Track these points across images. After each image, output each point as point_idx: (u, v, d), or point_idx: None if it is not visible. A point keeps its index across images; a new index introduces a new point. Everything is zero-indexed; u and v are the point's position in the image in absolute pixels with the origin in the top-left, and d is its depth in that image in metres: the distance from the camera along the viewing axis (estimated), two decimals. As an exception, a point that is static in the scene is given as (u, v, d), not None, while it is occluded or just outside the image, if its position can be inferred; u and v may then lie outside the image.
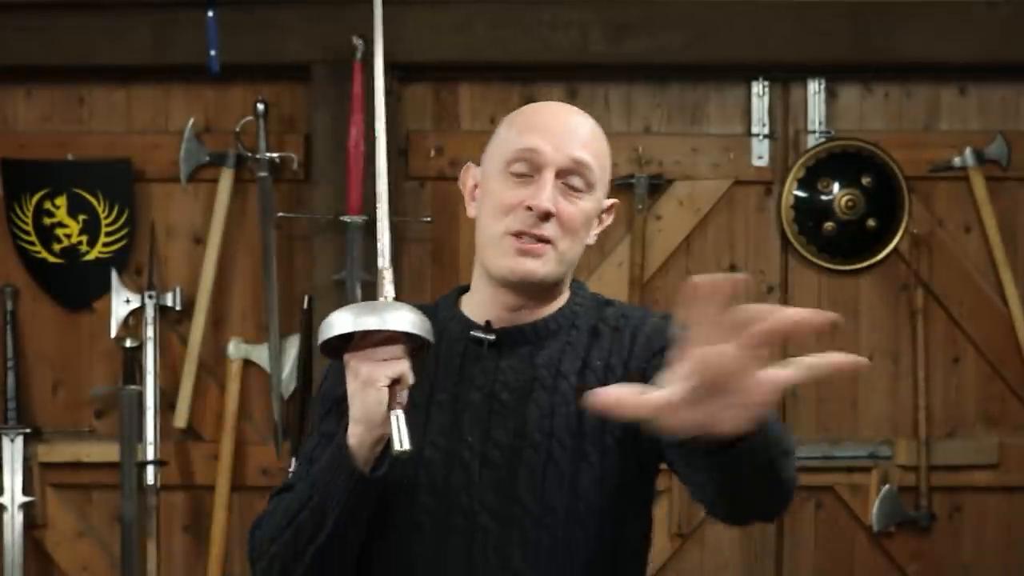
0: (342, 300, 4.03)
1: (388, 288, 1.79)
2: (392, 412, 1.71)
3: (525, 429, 1.82)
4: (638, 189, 4.18)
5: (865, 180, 4.21)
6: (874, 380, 4.26)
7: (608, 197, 1.92)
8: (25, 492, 4.20)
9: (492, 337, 1.87)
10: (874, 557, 4.25)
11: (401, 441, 1.69)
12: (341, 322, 1.72)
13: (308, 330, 4.12)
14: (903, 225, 4.20)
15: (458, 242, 4.21)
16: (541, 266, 1.83)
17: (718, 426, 1.28)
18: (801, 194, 4.22)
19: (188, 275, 4.22)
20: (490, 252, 1.85)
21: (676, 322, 1.45)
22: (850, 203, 4.22)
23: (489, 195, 1.86)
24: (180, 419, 4.16)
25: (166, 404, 4.18)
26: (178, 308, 4.18)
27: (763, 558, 4.27)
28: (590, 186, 1.85)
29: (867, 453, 4.22)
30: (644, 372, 1.79)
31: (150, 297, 4.17)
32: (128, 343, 4.17)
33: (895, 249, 4.22)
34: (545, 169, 1.82)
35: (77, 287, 4.25)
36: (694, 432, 1.29)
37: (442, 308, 1.94)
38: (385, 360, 1.72)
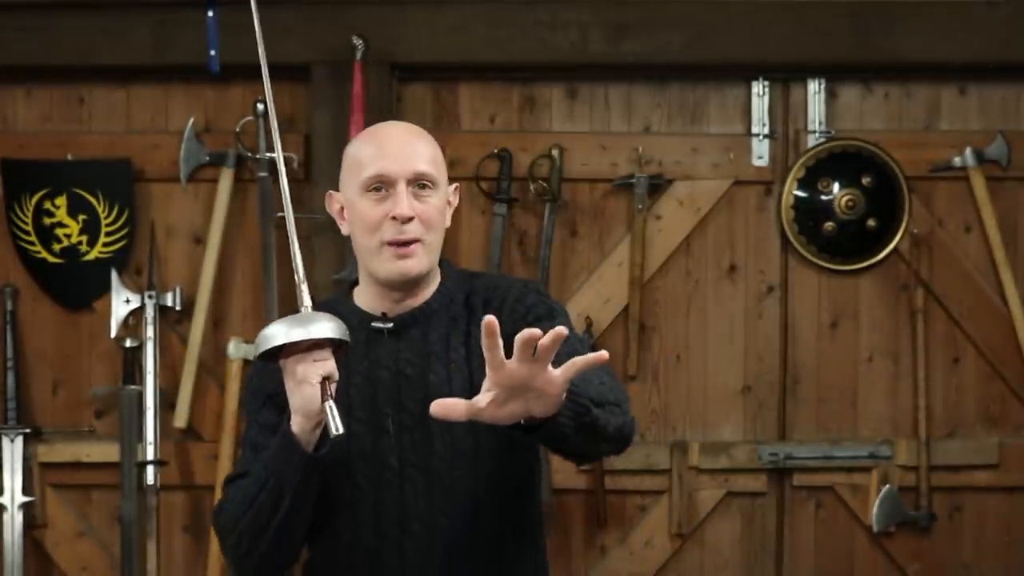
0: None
1: (306, 299, 2.11)
2: (325, 403, 2.04)
3: (429, 394, 2.14)
4: (638, 189, 4.18)
5: (865, 180, 4.21)
6: (874, 380, 4.26)
7: (450, 183, 2.29)
8: (25, 492, 4.20)
9: (391, 325, 2.24)
10: (874, 557, 4.25)
11: (336, 426, 2.02)
12: (275, 335, 2.05)
13: (308, 330, 4.11)
14: (903, 225, 4.20)
15: (458, 241, 4.21)
16: (416, 263, 2.21)
17: (533, 412, 1.89)
18: (801, 194, 4.22)
19: (188, 275, 4.22)
20: (372, 262, 2.22)
21: (533, 286, 2.28)
22: (850, 203, 4.22)
23: (358, 216, 2.23)
24: (180, 419, 4.16)
25: (166, 404, 4.18)
26: (178, 308, 4.18)
27: (763, 558, 4.27)
28: (434, 184, 2.23)
29: (867, 453, 4.22)
30: (511, 336, 1.94)
31: (150, 297, 4.17)
32: (128, 343, 4.17)
33: (895, 249, 4.22)
34: (397, 183, 2.20)
35: (77, 287, 4.25)
36: (515, 420, 1.89)
37: (339, 304, 2.29)
38: (315, 361, 2.05)
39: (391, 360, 2.23)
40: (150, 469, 4.12)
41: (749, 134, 4.23)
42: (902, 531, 4.23)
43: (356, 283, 2.32)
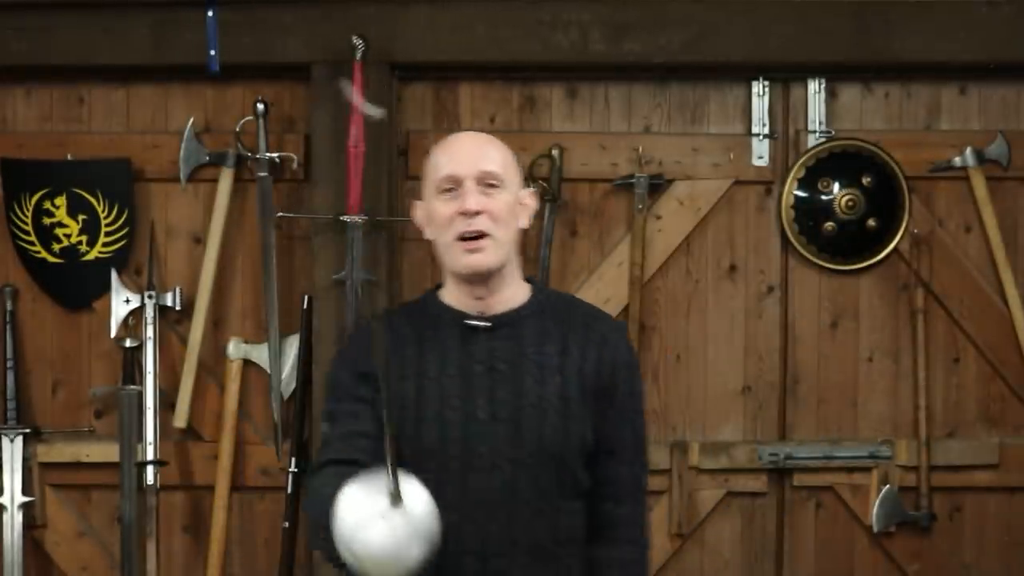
0: (342, 300, 4.04)
1: (399, 485, 2.15)
2: None
3: (523, 392, 2.40)
4: (638, 189, 4.18)
5: (865, 180, 4.21)
6: (874, 380, 4.26)
7: (525, 188, 2.49)
8: (25, 492, 4.20)
9: (489, 324, 2.43)
10: (874, 557, 4.25)
11: None
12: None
13: (308, 330, 4.12)
14: (903, 225, 4.20)
15: (458, 242, 4.21)
16: (485, 258, 2.39)
17: None
18: (801, 194, 4.22)
19: (188, 275, 4.22)
20: (448, 257, 2.42)
21: (625, 333, 2.59)
22: (850, 203, 4.22)
23: (434, 215, 2.42)
24: (180, 419, 4.16)
25: (166, 404, 4.18)
26: (178, 308, 4.18)
27: (763, 558, 4.26)
28: (502, 182, 2.41)
29: (867, 453, 4.22)
30: (604, 380, 2.45)
31: (150, 297, 4.17)
32: (128, 343, 4.17)
33: (895, 249, 4.22)
34: (465, 181, 2.39)
35: (77, 287, 4.24)
36: None
37: (429, 304, 2.50)
38: None
39: (485, 355, 2.42)
40: (150, 469, 4.12)
41: (749, 134, 4.23)
42: (902, 531, 4.23)
43: (440, 287, 2.51)
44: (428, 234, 2.46)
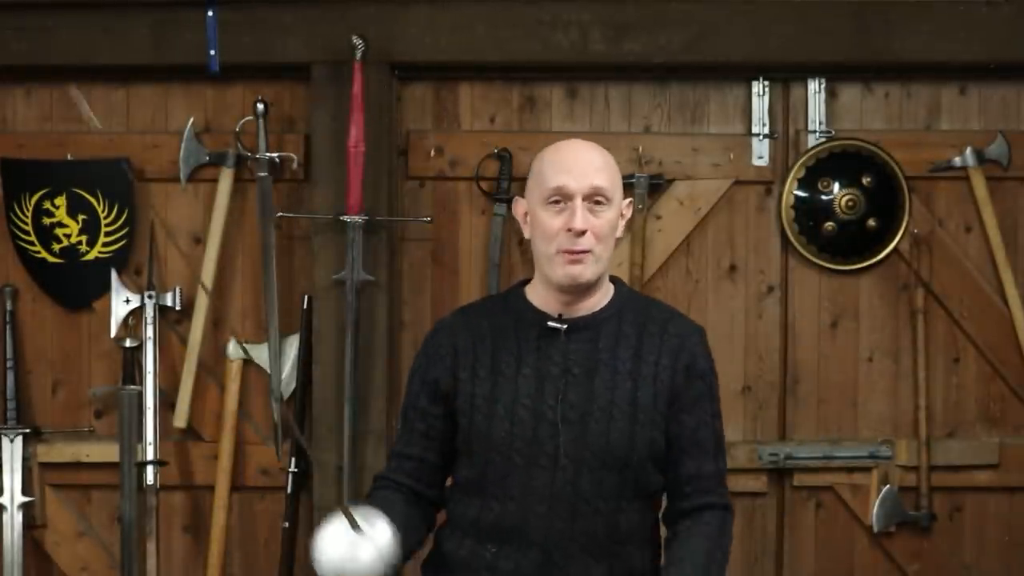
0: (342, 300, 4.04)
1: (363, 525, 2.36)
2: None
3: (594, 396, 2.48)
4: (638, 189, 4.18)
5: (865, 180, 4.21)
6: (874, 380, 4.26)
7: (624, 197, 2.55)
8: (25, 492, 4.20)
9: (565, 326, 2.51)
10: (874, 557, 4.25)
11: None
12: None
13: (308, 330, 4.12)
14: (903, 225, 4.20)
15: (458, 241, 4.21)
16: (585, 271, 2.47)
17: None
18: (801, 194, 4.22)
19: (188, 275, 4.22)
20: (548, 266, 2.50)
21: (704, 338, 2.61)
22: (850, 203, 4.21)
23: (539, 224, 2.50)
24: (180, 419, 4.16)
25: (166, 404, 4.18)
26: (178, 308, 4.18)
27: (763, 558, 4.26)
28: (609, 200, 2.48)
29: (867, 453, 4.22)
30: (678, 386, 2.52)
31: (150, 297, 4.17)
32: (128, 343, 4.17)
33: (895, 249, 4.22)
34: (575, 198, 2.45)
35: (77, 287, 4.24)
36: None
37: (512, 300, 2.59)
38: None
39: (561, 357, 2.50)
40: (150, 469, 4.12)
41: (749, 134, 4.23)
42: (902, 531, 4.23)
43: (526, 282, 2.60)
44: (527, 234, 2.55)
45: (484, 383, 2.52)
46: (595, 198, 2.46)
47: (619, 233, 2.53)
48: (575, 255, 2.45)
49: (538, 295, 2.56)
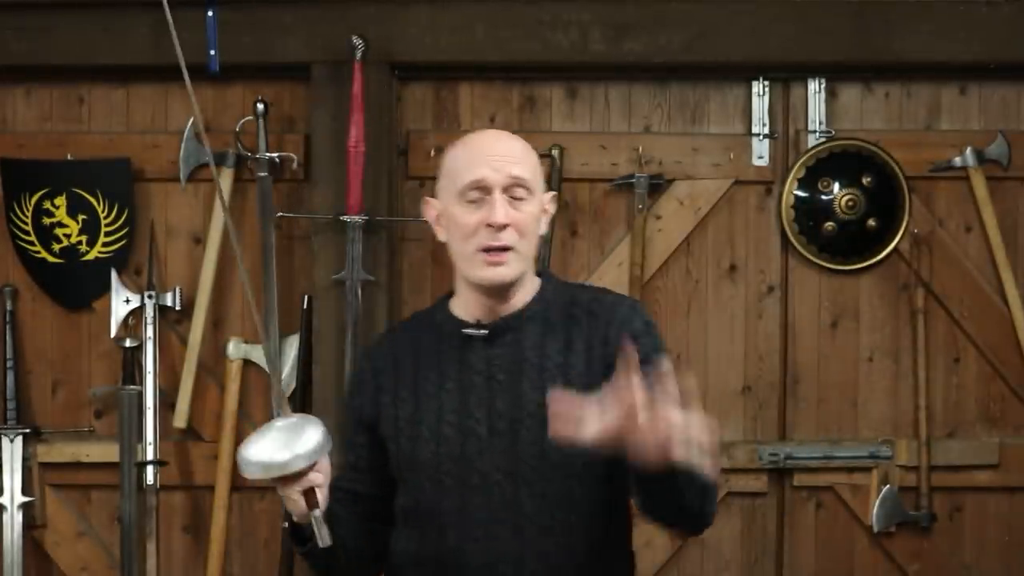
0: (342, 300, 4.04)
1: (285, 406, 2.23)
2: (311, 513, 2.16)
3: (522, 402, 2.26)
4: (638, 189, 4.18)
5: (865, 180, 4.21)
6: (874, 380, 4.26)
7: (546, 191, 2.35)
8: (25, 492, 4.20)
9: (485, 332, 2.31)
10: (874, 557, 4.25)
11: (321, 538, 2.16)
12: (254, 467, 2.15)
13: (308, 330, 4.12)
14: (903, 225, 4.20)
15: (458, 242, 4.21)
16: (508, 270, 2.27)
17: (646, 457, 2.00)
18: (801, 194, 4.22)
19: (188, 275, 4.22)
20: (467, 267, 2.29)
21: (639, 308, 2.36)
22: (850, 203, 4.21)
23: (454, 223, 2.29)
24: (180, 419, 4.16)
25: (166, 404, 4.18)
26: (178, 308, 4.18)
27: (763, 558, 4.26)
28: (530, 192, 2.28)
29: (867, 453, 4.21)
30: (613, 355, 2.18)
31: (150, 297, 4.17)
32: (128, 343, 4.17)
33: (895, 249, 4.22)
34: (493, 190, 2.25)
35: (77, 287, 4.24)
36: (633, 456, 2.00)
37: (437, 311, 2.40)
38: (296, 478, 2.15)
39: (483, 365, 2.30)
40: (150, 469, 4.12)
41: (749, 134, 4.23)
42: (902, 531, 4.23)
43: (451, 294, 2.39)
44: (442, 236, 2.35)
45: (406, 405, 2.32)
46: (515, 190, 2.26)
47: (542, 230, 2.32)
48: (496, 253, 2.25)
49: (460, 303, 2.36)
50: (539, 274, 2.38)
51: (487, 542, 2.24)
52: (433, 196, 2.38)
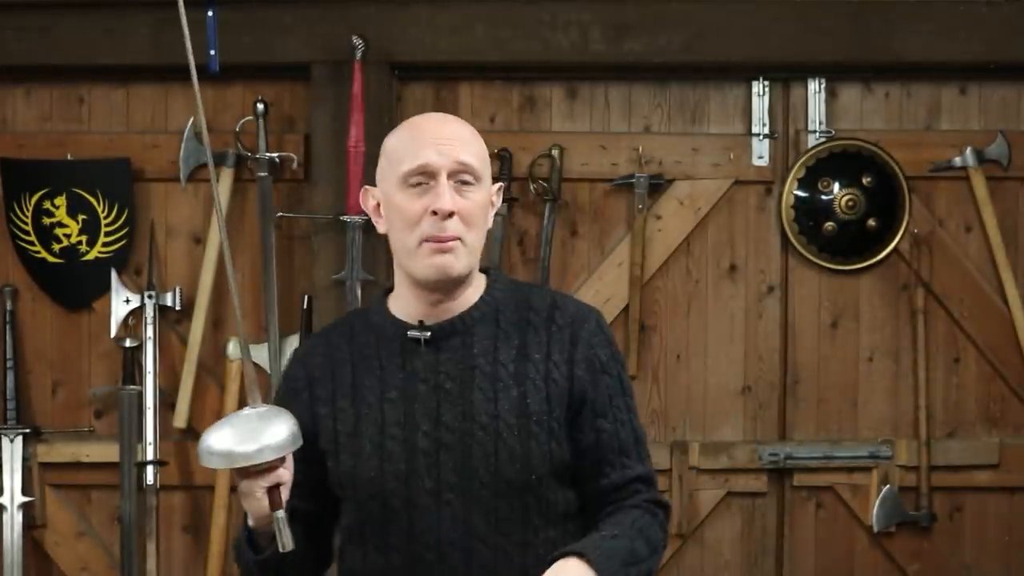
0: (342, 300, 4.04)
1: (256, 394, 2.02)
2: (274, 514, 1.98)
3: (472, 412, 2.08)
4: (638, 189, 4.18)
5: (865, 180, 4.21)
6: (874, 380, 4.26)
7: (494, 182, 2.17)
8: (25, 492, 4.20)
9: (428, 335, 2.11)
10: (874, 557, 4.25)
11: (283, 542, 1.97)
12: (216, 456, 1.97)
13: (308, 330, 4.11)
14: (903, 225, 4.20)
15: (458, 242, 4.21)
16: (455, 262, 2.07)
17: None
18: (801, 194, 4.22)
19: (188, 275, 4.22)
20: (410, 260, 2.10)
21: (599, 322, 2.16)
22: (850, 203, 4.21)
23: (396, 211, 2.10)
24: (180, 419, 4.16)
25: (166, 404, 4.18)
26: (178, 308, 4.18)
27: (763, 558, 4.26)
28: (478, 179, 2.11)
29: (867, 453, 4.21)
30: (579, 383, 2.12)
31: (150, 297, 4.17)
32: (128, 343, 4.17)
33: (895, 249, 4.22)
34: (439, 175, 2.07)
35: (77, 287, 4.24)
36: None
37: (373, 312, 2.19)
38: (260, 472, 1.98)
39: (429, 373, 2.10)
40: (150, 469, 4.12)
41: (749, 134, 4.23)
42: (902, 531, 4.23)
43: (391, 289, 2.20)
44: (382, 228, 2.16)
45: (346, 416, 2.12)
46: (462, 176, 2.08)
47: (489, 223, 2.15)
48: (441, 243, 2.06)
49: (400, 302, 2.16)
50: (484, 271, 2.20)
51: (438, 564, 2.07)
52: (372, 185, 2.19)
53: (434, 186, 2.07)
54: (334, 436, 2.13)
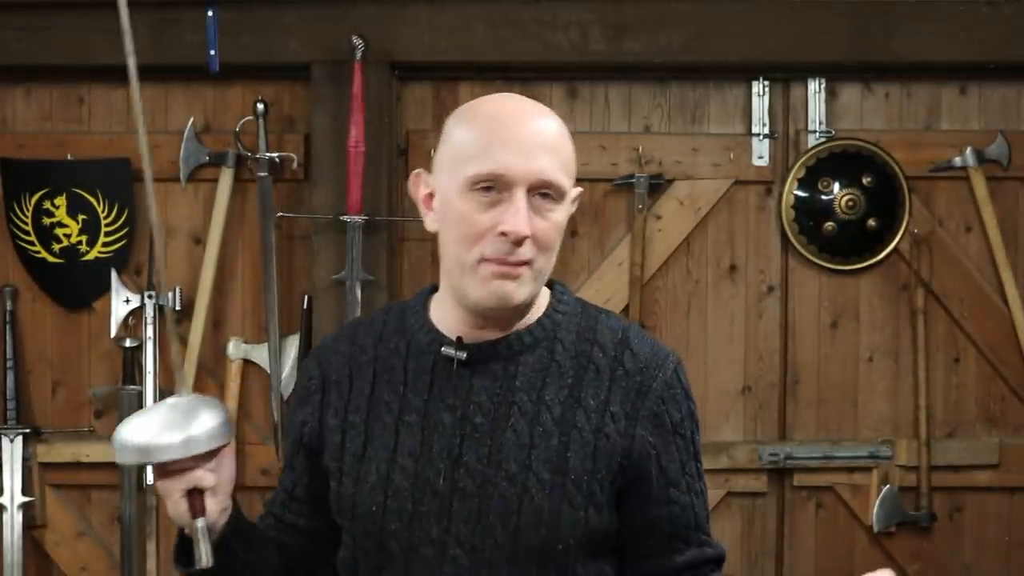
0: (342, 300, 4.04)
1: (188, 381, 1.79)
2: (193, 522, 1.74)
3: (500, 457, 1.74)
4: (638, 189, 4.18)
5: (865, 180, 4.21)
6: (874, 380, 4.26)
7: (575, 185, 1.81)
8: (25, 492, 4.20)
9: (464, 356, 1.77)
10: (874, 557, 4.25)
11: (201, 556, 1.74)
12: (128, 452, 1.71)
13: (308, 330, 4.12)
14: (903, 225, 4.20)
15: (458, 242, 4.20)
16: (518, 289, 1.73)
17: None
18: (801, 194, 4.22)
19: (188, 275, 4.22)
20: (463, 278, 1.75)
21: (677, 370, 1.80)
22: (850, 203, 4.21)
23: (456, 218, 1.74)
24: (180, 419, 4.15)
25: (166, 404, 4.17)
26: (178, 308, 4.18)
27: (763, 558, 4.26)
28: (561, 196, 1.75)
29: (867, 453, 4.21)
30: (640, 446, 1.77)
31: (150, 297, 4.17)
32: (128, 343, 4.17)
33: (895, 249, 4.22)
34: (516, 188, 1.71)
35: (77, 287, 4.24)
36: None
37: (410, 314, 1.86)
38: (178, 473, 1.71)
39: (458, 400, 1.77)
40: (150, 469, 4.11)
41: (749, 134, 4.23)
42: (902, 531, 4.23)
43: (435, 289, 1.87)
44: (432, 225, 1.82)
45: (356, 434, 1.81)
46: (544, 190, 1.72)
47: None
48: (508, 267, 1.71)
49: (441, 311, 1.82)
50: (549, 285, 1.84)
51: None
52: (427, 170, 1.86)
53: (507, 199, 1.71)
54: (339, 455, 1.82)
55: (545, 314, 1.81)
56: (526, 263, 1.72)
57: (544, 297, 1.83)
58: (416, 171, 1.86)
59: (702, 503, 1.84)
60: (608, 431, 1.74)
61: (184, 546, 1.83)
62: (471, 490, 1.73)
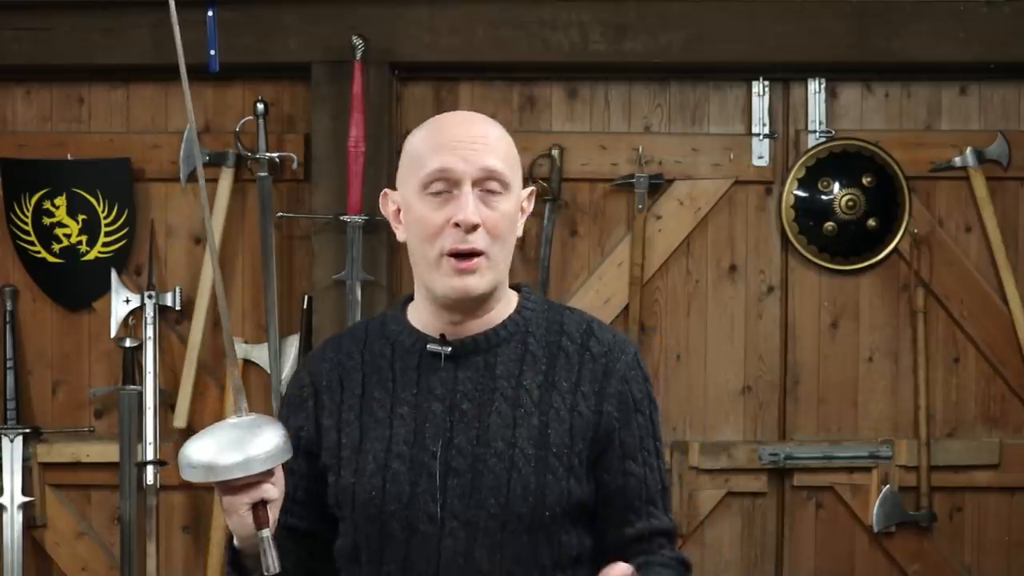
0: (342, 300, 4.04)
1: (242, 402, 1.90)
2: (259, 533, 1.83)
3: (488, 437, 1.93)
4: (638, 189, 4.18)
5: (865, 180, 4.21)
6: (874, 380, 4.26)
7: (524, 187, 2.02)
8: (25, 492, 4.20)
9: (448, 350, 1.97)
10: (874, 557, 4.25)
11: (269, 564, 1.82)
12: (197, 467, 1.82)
13: (308, 330, 4.12)
14: (903, 225, 4.20)
15: (458, 242, 4.21)
16: (479, 281, 1.93)
17: None
18: (801, 194, 4.22)
19: (188, 275, 4.22)
20: (430, 275, 1.95)
21: (636, 356, 2.02)
22: (850, 203, 4.21)
23: (416, 220, 1.94)
24: (180, 419, 4.16)
25: (166, 404, 4.18)
26: (178, 308, 4.18)
27: (763, 558, 4.26)
28: (506, 187, 1.94)
29: (867, 453, 4.21)
30: (608, 421, 1.97)
31: (150, 297, 4.17)
32: (128, 343, 4.17)
33: (895, 249, 4.22)
34: (462, 183, 1.91)
35: (77, 287, 4.24)
36: None
37: (391, 320, 2.05)
38: (244, 487, 1.83)
39: (446, 391, 1.95)
40: (150, 469, 4.13)
41: (749, 134, 4.23)
42: (902, 531, 4.23)
43: (411, 298, 2.05)
44: (401, 235, 2.00)
45: (351, 430, 1.97)
46: (489, 184, 1.91)
47: (519, 231, 2.00)
48: (464, 260, 1.90)
49: (419, 313, 2.01)
50: (516, 288, 2.07)
51: None
52: (392, 188, 2.02)
53: (457, 195, 1.91)
54: (337, 450, 1.98)
55: (516, 311, 2.02)
56: (481, 253, 1.92)
57: (513, 298, 2.04)
58: (384, 191, 2.04)
59: (656, 478, 2.01)
60: (580, 409, 1.95)
61: (237, 556, 1.95)
62: (463, 469, 1.92)
